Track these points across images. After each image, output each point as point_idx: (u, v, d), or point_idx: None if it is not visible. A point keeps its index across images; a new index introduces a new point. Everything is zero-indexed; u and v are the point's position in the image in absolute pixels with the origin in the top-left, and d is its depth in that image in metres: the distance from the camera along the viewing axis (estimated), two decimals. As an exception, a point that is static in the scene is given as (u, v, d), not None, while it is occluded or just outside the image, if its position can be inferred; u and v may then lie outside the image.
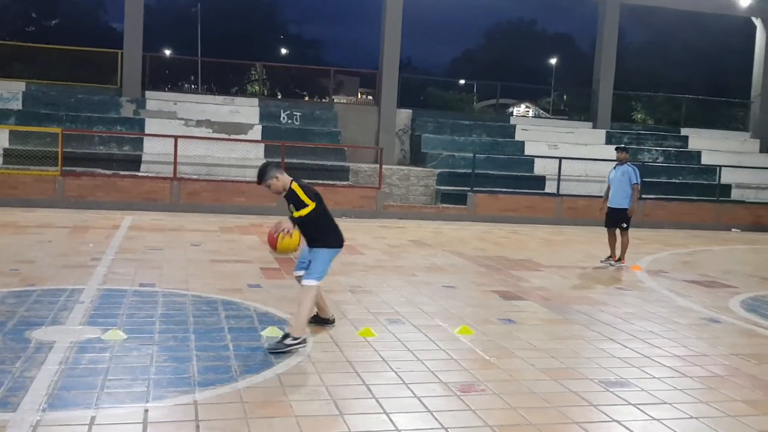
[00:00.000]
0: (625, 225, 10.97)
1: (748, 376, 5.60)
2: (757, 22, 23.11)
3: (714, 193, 19.07)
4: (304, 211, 5.76)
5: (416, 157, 20.40)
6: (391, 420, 4.28)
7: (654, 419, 4.53)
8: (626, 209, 10.90)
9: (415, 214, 16.71)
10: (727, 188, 19.61)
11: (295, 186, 5.90)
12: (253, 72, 28.41)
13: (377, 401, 4.58)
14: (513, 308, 7.60)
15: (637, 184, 10.93)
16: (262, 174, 5.94)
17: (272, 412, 4.31)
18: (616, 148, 11.39)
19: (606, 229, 11.22)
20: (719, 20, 26.23)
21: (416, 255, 11.14)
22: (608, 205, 11.15)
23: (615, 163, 11.33)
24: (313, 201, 5.80)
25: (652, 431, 4.33)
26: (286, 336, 5.61)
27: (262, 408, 4.36)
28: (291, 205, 5.90)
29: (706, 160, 21.19)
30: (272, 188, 5.94)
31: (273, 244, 5.73)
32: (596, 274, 10.25)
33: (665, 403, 4.85)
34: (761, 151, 22.90)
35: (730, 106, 26.15)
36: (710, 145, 22.16)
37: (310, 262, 5.92)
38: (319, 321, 6.41)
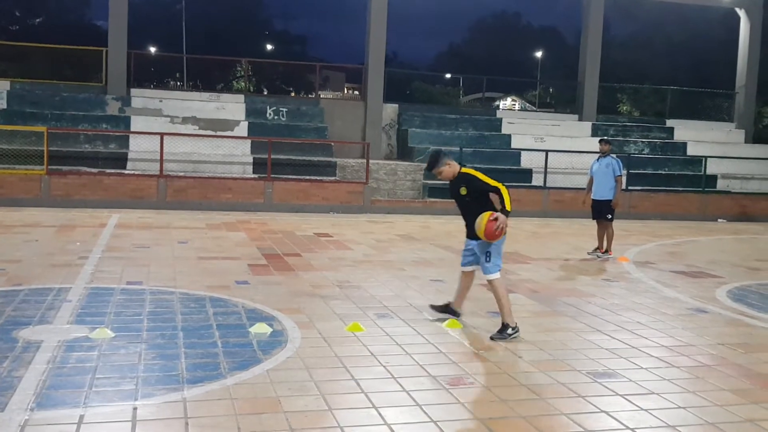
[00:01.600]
0: (609, 216, 11.04)
1: (735, 365, 5.64)
2: (741, 13, 23.24)
3: (700, 184, 19.19)
4: (505, 193, 5.96)
5: (403, 152, 20.40)
6: (380, 414, 4.28)
7: (642, 409, 4.56)
8: (610, 200, 10.96)
9: (402, 208, 16.72)
10: (712, 179, 19.74)
11: (470, 170, 6.18)
12: (238, 68, 28.28)
13: (366, 396, 4.58)
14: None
15: (620, 176, 11.03)
16: (435, 161, 6.16)
17: (261, 408, 4.30)
18: (600, 141, 11.45)
19: (595, 221, 11.28)
20: (703, 11, 26.40)
21: (404, 249, 11.15)
22: (593, 197, 11.20)
23: (598, 155, 11.38)
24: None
25: (639, 421, 4.36)
26: (506, 327, 6.01)
27: (251, 404, 4.36)
28: (463, 189, 6.11)
29: (691, 151, 21.32)
30: (443, 175, 6.19)
31: (492, 238, 6.03)
32: (583, 266, 10.29)
33: (653, 393, 4.88)
34: (746, 141, 23.07)
35: (715, 97, 26.30)
36: (696, 136, 22.29)
37: (476, 254, 6.25)
38: (448, 310, 6.61)
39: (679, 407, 4.63)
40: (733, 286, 9.07)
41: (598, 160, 11.28)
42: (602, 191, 11.06)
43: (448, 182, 6.41)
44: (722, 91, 25.44)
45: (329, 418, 4.20)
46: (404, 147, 20.35)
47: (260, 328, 5.98)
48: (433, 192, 17.55)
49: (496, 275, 6.18)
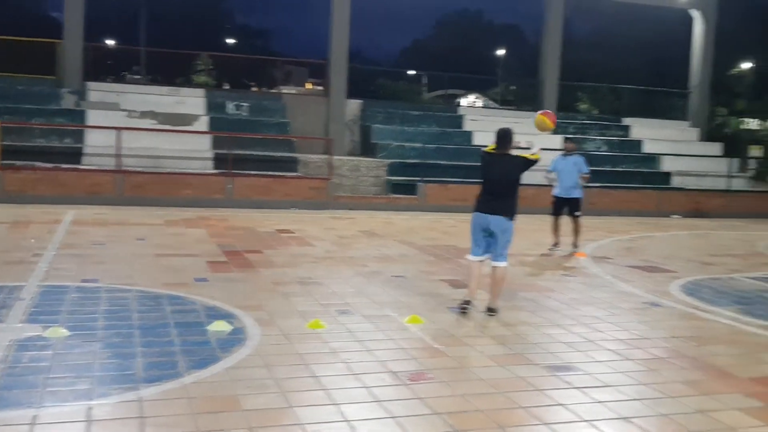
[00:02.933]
0: (577, 213, 11.28)
1: (688, 357, 5.78)
2: (695, 14, 23.74)
3: (655, 181, 19.58)
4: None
5: (366, 148, 20.40)
6: (340, 411, 4.28)
7: (598, 402, 4.64)
8: (577, 198, 11.24)
9: (365, 204, 16.72)
10: (667, 176, 20.16)
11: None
12: (199, 62, 27.90)
13: (326, 393, 4.58)
14: (461, 297, 7.67)
15: (587, 174, 11.32)
16: (509, 137, 6.92)
17: (219, 406, 4.27)
18: (565, 139, 11.68)
19: (553, 217, 11.44)
20: (660, 12, 26.83)
21: (367, 245, 11.15)
22: (558, 194, 11.39)
23: (562, 152, 11.57)
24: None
25: (595, 414, 4.44)
26: (490, 309, 6.83)
27: (209, 403, 4.32)
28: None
29: (647, 148, 21.73)
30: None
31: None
32: (543, 262, 10.42)
33: (608, 386, 4.97)
34: (700, 139, 23.59)
35: (670, 96, 26.82)
36: (651, 134, 22.71)
37: (488, 244, 6.87)
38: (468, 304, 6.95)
39: (634, 399, 4.73)
40: (686, 281, 9.28)
41: (564, 157, 11.44)
42: (567, 189, 11.31)
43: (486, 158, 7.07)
44: (677, 91, 25.95)
45: (289, 416, 4.19)
46: (367, 143, 20.35)
47: (219, 326, 5.93)
48: (397, 188, 17.60)
49: (506, 263, 6.93)
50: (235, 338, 5.69)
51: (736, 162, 22.32)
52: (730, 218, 18.75)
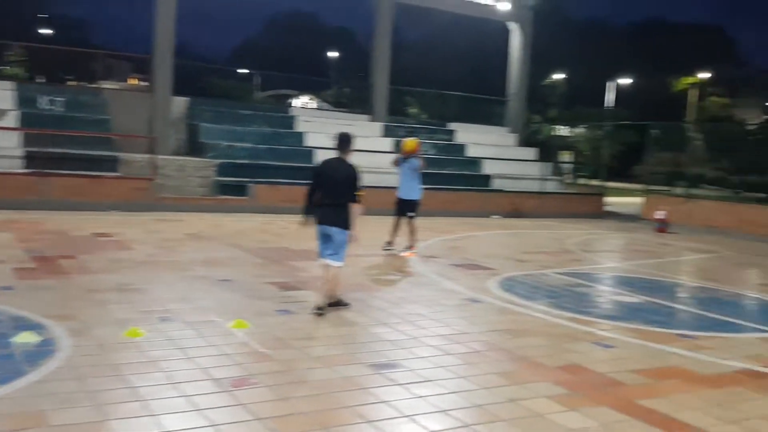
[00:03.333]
0: (411, 214, 11.63)
1: (503, 350, 6.13)
2: (513, 27, 25.31)
3: (477, 183, 20.63)
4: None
5: (194, 147, 19.71)
6: (157, 422, 4.10)
7: (419, 397, 4.79)
8: (414, 200, 11.61)
9: (193, 206, 16.17)
10: (488, 178, 21.33)
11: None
12: (10, 53, 25.64)
13: (143, 403, 4.36)
14: (291, 299, 7.64)
15: (420, 166, 11.67)
16: (348, 141, 7.27)
17: (23, 423, 3.93)
18: (401, 143, 12.07)
19: (395, 217, 11.77)
20: (482, 23, 28.30)
21: (193, 249, 10.78)
22: (400, 196, 11.73)
23: (399, 155, 11.87)
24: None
25: (415, 408, 4.57)
26: (320, 308, 6.96)
27: (12, 420, 3.96)
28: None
29: (470, 152, 22.84)
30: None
31: None
32: (372, 262, 10.61)
33: (429, 380, 5.15)
34: (517, 144, 25.17)
35: (491, 103, 28.38)
36: (474, 138, 23.90)
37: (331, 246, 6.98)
38: (339, 304, 7.19)
39: (452, 392, 4.93)
40: (503, 277, 9.85)
41: (406, 160, 11.69)
42: (407, 190, 11.65)
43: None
44: (497, 98, 27.52)
45: (101, 430, 3.94)
46: (195, 142, 19.67)
47: (26, 338, 5.47)
48: (226, 189, 17.18)
49: (341, 263, 7.10)
50: (44, 350, 5.28)
51: (549, 166, 24.08)
52: (544, 218, 20.16)
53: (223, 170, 17.67)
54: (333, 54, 55.88)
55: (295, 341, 5.97)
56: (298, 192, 17.42)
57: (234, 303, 7.26)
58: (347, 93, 38.17)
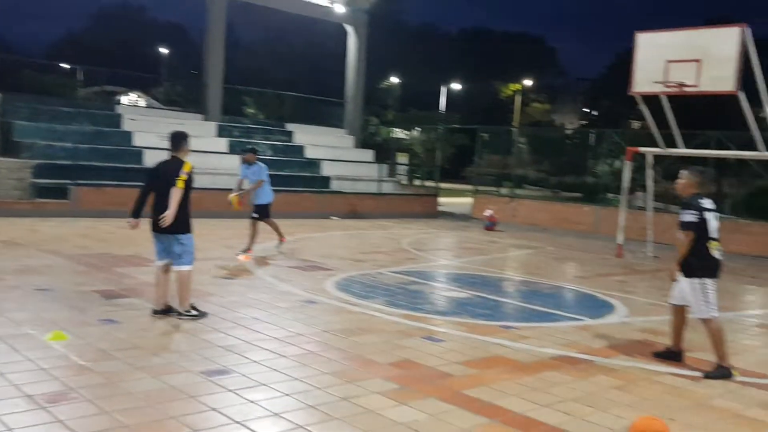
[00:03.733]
0: (254, 215, 11.73)
1: (337, 349, 6.17)
2: (349, 29, 25.63)
3: (316, 185, 20.69)
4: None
5: (7, 147, 18.13)
6: (-44, 448, 3.71)
7: (250, 402, 4.70)
8: (266, 204, 11.75)
9: (6, 210, 14.88)
10: (327, 180, 21.45)
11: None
12: None
13: (-61, 429, 3.93)
14: (116, 307, 7.24)
15: (261, 180, 11.72)
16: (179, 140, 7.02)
17: None
18: (243, 150, 12.06)
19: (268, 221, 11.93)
20: (319, 24, 28.44)
21: (5, 257, 9.92)
22: (256, 202, 11.76)
23: (243, 161, 11.96)
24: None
25: (247, 414, 4.48)
26: (179, 314, 6.82)
27: None
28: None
29: (309, 154, 22.87)
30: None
31: None
32: (205, 266, 10.25)
33: (262, 384, 5.07)
34: (355, 146, 25.53)
35: (329, 105, 28.59)
36: (312, 140, 23.94)
37: (173, 251, 6.83)
38: (201, 314, 6.95)
39: (285, 395, 4.89)
40: (340, 277, 9.93)
41: (249, 166, 11.81)
42: (258, 196, 11.74)
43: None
44: (335, 100, 27.77)
45: None
46: (8, 141, 18.11)
47: None
48: (44, 192, 15.97)
49: (187, 267, 6.89)
50: None
51: (385, 167, 24.63)
52: (381, 218, 20.61)
53: (40, 172, 16.41)
54: (164, 50, 53.75)
55: (119, 352, 5.66)
56: (126, 194, 16.62)
57: (51, 314, 6.75)
58: (180, 91, 36.89)
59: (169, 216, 6.67)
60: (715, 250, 6.18)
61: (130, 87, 41.65)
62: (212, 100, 22.44)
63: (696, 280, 6.13)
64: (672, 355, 6.50)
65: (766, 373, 6.36)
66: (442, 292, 9.71)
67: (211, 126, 21.72)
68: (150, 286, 8.36)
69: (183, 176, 6.75)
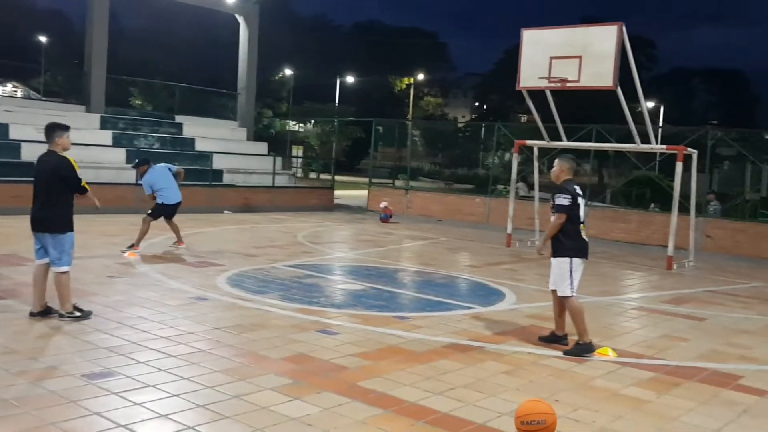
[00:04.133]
0: (150, 212, 11.57)
1: (229, 346, 6.04)
2: (240, 20, 25.11)
3: (207, 178, 20.18)
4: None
5: None
6: None
7: (136, 404, 4.53)
8: (180, 203, 11.93)
9: None
10: (219, 173, 20.96)
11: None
12: None
13: None
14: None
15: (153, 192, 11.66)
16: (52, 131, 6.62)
17: None
18: (139, 163, 12.01)
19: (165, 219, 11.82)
20: (211, 15, 27.73)
21: None
22: (169, 202, 11.71)
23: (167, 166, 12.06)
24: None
25: (132, 417, 4.31)
26: (61, 315, 6.54)
27: None
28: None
29: (199, 146, 22.27)
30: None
31: None
32: (88, 264, 9.80)
33: (148, 386, 4.89)
34: (248, 139, 25.09)
35: (221, 97, 27.97)
36: (203, 132, 23.32)
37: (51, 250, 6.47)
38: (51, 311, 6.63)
39: (173, 395, 4.74)
40: (232, 273, 9.74)
41: (162, 169, 11.92)
42: (177, 195, 11.91)
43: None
44: (227, 91, 27.18)
45: None
46: None
47: None
48: None
49: (66, 268, 6.56)
50: None
51: (279, 160, 24.35)
52: (275, 212, 20.37)
53: None
54: (43, 38, 50.90)
55: (-8, 357, 5.31)
56: (4, 191, 15.69)
57: None
58: (60, 81, 35.07)
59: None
60: (583, 233, 6.54)
61: (6, 77, 39.22)
62: (95, 91, 21.42)
63: (565, 259, 6.48)
64: (556, 339, 6.80)
65: (643, 353, 6.74)
66: (337, 284, 9.70)
67: (95, 118, 20.76)
68: (28, 287, 7.91)
69: (82, 180, 6.62)
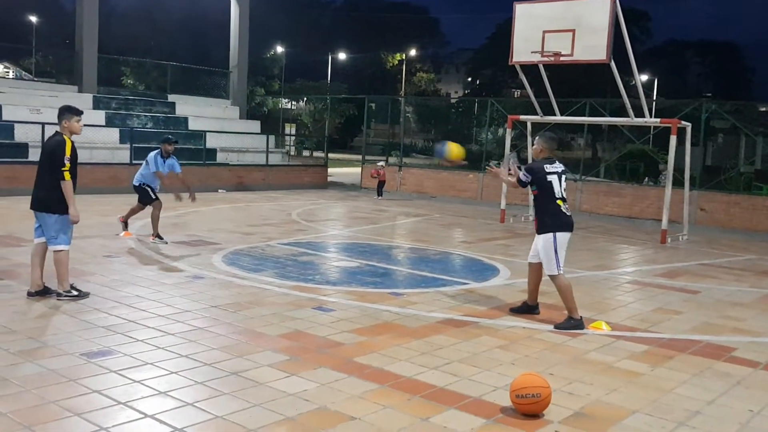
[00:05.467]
0: (153, 197, 10.93)
1: (226, 324, 6.08)
2: (232, -2, 24.91)
3: (201, 157, 20.14)
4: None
5: None
6: None
7: (135, 382, 4.57)
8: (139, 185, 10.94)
9: None
10: (212, 152, 20.92)
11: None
12: None
13: None
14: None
15: (179, 173, 11.03)
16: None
17: None
18: (167, 141, 10.91)
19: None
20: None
21: None
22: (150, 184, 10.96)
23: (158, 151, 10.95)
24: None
25: (132, 394, 4.36)
26: (59, 294, 6.59)
27: None
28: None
29: (192, 125, 22.18)
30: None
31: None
32: (84, 244, 9.82)
33: (147, 363, 4.94)
34: (241, 117, 24.99)
35: (213, 75, 27.78)
36: (196, 111, 23.23)
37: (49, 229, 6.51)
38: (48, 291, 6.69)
39: (172, 373, 4.78)
40: (228, 251, 9.77)
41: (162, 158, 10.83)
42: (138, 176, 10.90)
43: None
44: (219, 70, 27.00)
45: None
46: None
47: None
48: None
49: (63, 247, 6.57)
50: None
51: (273, 138, 24.28)
52: (270, 190, 20.37)
53: None
54: (34, 18, 50.37)
55: (-10, 338, 5.34)
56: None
57: None
58: (52, 62, 34.77)
59: (73, 215, 6.55)
60: (563, 208, 6.59)
61: (-3, 57, 38.90)
62: (87, 71, 21.29)
63: (549, 236, 6.56)
64: (529, 309, 6.98)
65: (637, 327, 6.82)
66: (332, 262, 9.74)
67: (87, 98, 20.64)
68: (25, 267, 7.94)
69: (66, 165, 6.42)
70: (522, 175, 6.65)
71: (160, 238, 10.34)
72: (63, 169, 6.40)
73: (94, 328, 5.73)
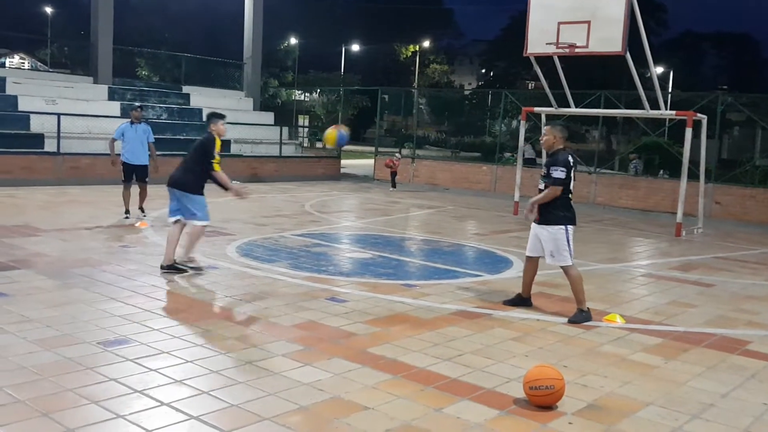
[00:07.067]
0: (147, 179, 11.64)
1: (241, 314, 6.13)
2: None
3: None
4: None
5: None
6: None
7: (151, 370, 4.62)
8: (145, 165, 11.60)
9: None
10: (227, 143, 20.96)
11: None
12: None
13: None
14: (5, 280, 6.89)
15: (152, 142, 11.69)
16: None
17: None
18: (133, 108, 11.87)
19: (124, 184, 11.52)
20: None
21: None
22: (130, 161, 11.47)
23: (129, 120, 11.66)
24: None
25: (148, 383, 4.40)
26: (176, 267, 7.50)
27: None
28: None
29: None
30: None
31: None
32: (99, 234, 9.93)
33: (163, 352, 4.98)
34: (254, 109, 25.04)
35: (227, 67, 27.85)
36: (210, 102, 23.25)
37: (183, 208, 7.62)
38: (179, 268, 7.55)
39: (187, 362, 4.83)
40: (242, 242, 9.82)
41: (131, 125, 11.51)
42: (139, 156, 11.52)
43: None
44: (233, 61, 27.05)
45: None
46: None
47: None
48: None
49: (202, 222, 7.72)
50: None
51: (286, 130, 24.31)
52: (282, 182, 20.42)
53: None
54: (49, 10, 50.66)
55: (10, 326, 5.41)
56: (13, 162, 15.79)
57: (-68, 290, 6.36)
58: (67, 53, 34.97)
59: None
60: (571, 201, 6.64)
61: (13, 49, 39.11)
62: (102, 62, 21.38)
63: (561, 228, 6.50)
64: (522, 301, 6.99)
65: (651, 320, 6.80)
66: (345, 253, 9.77)
67: (102, 89, 20.74)
68: (41, 257, 8.03)
69: (216, 158, 7.54)
70: (557, 173, 6.39)
71: (129, 213, 11.27)
72: (213, 161, 7.49)
73: (110, 317, 5.78)
